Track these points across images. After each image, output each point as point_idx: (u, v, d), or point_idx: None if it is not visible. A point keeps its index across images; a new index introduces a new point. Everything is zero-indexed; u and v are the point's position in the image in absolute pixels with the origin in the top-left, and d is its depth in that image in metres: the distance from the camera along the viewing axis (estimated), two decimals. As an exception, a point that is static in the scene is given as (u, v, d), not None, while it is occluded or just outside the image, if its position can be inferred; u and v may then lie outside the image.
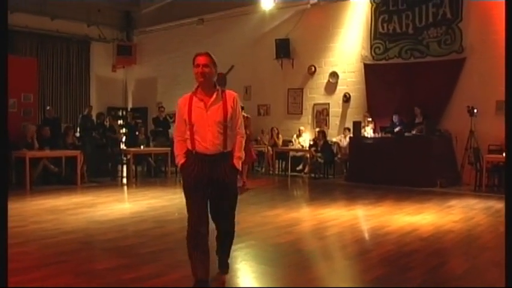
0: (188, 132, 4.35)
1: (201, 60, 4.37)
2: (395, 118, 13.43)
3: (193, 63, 4.42)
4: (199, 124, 4.30)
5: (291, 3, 15.87)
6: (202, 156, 4.30)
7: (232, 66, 17.42)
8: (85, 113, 15.88)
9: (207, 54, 4.41)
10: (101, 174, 13.91)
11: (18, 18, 17.01)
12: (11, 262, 5.35)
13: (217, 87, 4.42)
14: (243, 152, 4.51)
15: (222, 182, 4.39)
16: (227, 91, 4.46)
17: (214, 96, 4.35)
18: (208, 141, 4.27)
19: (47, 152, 12.21)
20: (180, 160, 4.42)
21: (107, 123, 15.82)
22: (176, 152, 4.46)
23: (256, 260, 5.59)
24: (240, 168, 4.52)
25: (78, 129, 15.59)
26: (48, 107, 15.91)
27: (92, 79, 20.04)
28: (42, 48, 18.33)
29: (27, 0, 17.20)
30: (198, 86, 4.42)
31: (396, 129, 13.21)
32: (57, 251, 5.85)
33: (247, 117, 12.36)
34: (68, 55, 19.24)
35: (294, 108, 16.38)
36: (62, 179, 12.42)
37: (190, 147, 4.35)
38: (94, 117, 15.62)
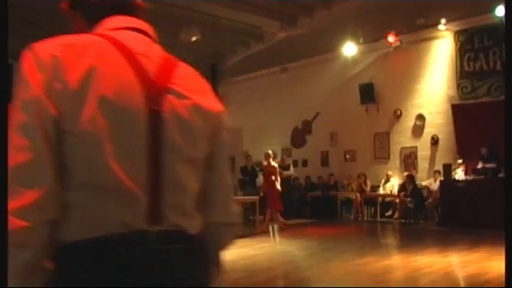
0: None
1: None
2: (483, 150, 13.06)
3: None
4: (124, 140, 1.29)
5: (373, 47, 15.83)
6: (133, 245, 1.25)
7: (318, 113, 17.54)
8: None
9: None
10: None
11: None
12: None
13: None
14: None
15: None
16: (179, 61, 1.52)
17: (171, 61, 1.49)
18: (153, 199, 1.30)
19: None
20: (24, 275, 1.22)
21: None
22: (17, 239, 1.19)
23: (348, 310, 5.46)
24: None
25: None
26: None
27: (180, 131, 20.59)
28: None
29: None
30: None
31: (490, 165, 12.77)
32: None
33: (273, 166, 13.15)
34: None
35: (381, 152, 16.14)
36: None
37: (77, 228, 1.26)
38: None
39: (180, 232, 1.34)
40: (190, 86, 1.44)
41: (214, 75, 21.51)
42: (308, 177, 17.19)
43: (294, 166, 17.23)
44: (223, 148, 1.50)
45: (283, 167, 16.67)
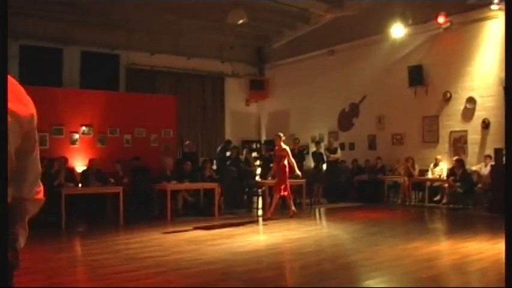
0: None
1: None
2: None
3: None
4: None
5: (422, 29, 15.51)
6: None
7: (365, 97, 17.35)
8: (222, 146, 16.37)
9: None
10: (237, 205, 14.24)
11: (158, 60, 18.14)
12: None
13: None
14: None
15: None
16: None
17: None
18: None
19: (187, 184, 12.77)
20: None
21: (242, 156, 16.16)
22: None
23: (396, 295, 5.43)
24: None
25: (215, 162, 16.02)
26: (187, 142, 16.51)
27: (226, 113, 20.70)
28: (179, 86, 19.16)
29: (166, 42, 18.29)
30: None
31: None
32: (198, 281, 6.03)
33: (285, 149, 12.04)
34: (203, 91, 20.05)
35: (430, 136, 15.85)
36: (199, 211, 12.87)
37: None
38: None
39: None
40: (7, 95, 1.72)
41: (260, 58, 21.53)
42: (355, 160, 17.06)
43: (341, 149, 17.11)
44: (33, 143, 1.90)
45: (331, 150, 16.61)
